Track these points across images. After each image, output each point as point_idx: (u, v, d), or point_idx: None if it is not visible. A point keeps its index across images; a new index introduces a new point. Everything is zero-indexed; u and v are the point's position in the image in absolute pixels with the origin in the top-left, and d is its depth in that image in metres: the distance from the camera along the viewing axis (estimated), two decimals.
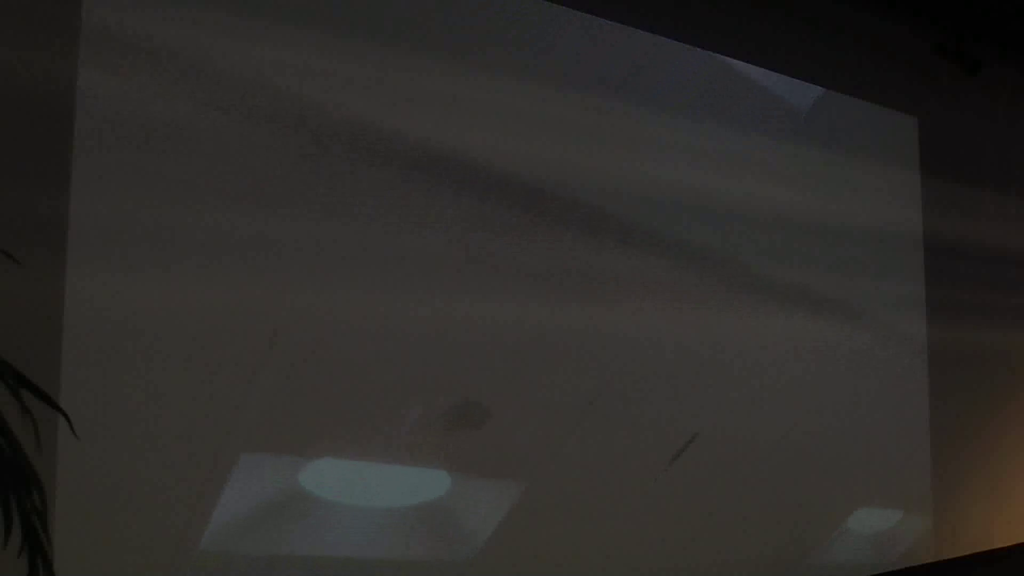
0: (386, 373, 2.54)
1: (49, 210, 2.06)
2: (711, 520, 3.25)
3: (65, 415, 1.49)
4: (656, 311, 3.14)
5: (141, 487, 2.15)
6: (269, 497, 2.33)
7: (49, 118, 2.08)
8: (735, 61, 3.48)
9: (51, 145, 2.08)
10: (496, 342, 2.76)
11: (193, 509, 2.21)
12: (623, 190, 3.10)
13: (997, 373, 4.42)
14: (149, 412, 2.16)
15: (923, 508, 3.98)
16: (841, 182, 3.80)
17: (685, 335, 3.22)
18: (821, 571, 3.58)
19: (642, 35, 3.20)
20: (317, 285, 2.42)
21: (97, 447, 2.07)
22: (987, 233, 4.41)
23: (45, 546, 1.36)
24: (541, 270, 2.86)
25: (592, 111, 3.04)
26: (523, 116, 2.87)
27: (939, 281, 4.12)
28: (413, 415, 2.58)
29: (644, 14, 3.20)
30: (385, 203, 2.56)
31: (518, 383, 2.80)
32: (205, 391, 2.24)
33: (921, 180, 4.09)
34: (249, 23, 2.36)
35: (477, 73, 2.78)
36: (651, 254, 3.15)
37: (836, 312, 3.74)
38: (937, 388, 4.05)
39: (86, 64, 2.12)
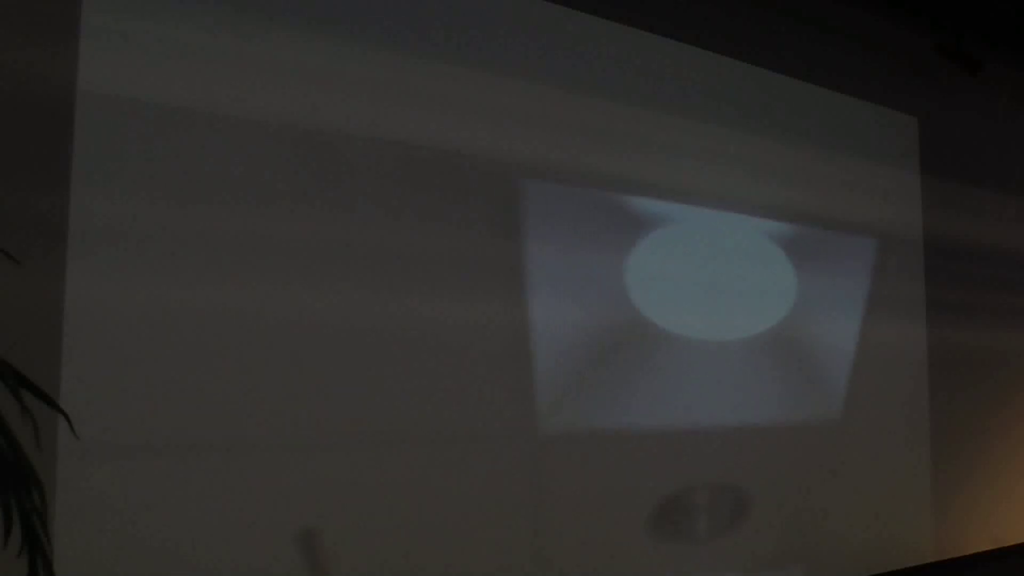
0: (386, 373, 2.54)
1: (49, 210, 2.06)
2: (710, 519, 3.25)
3: (65, 415, 1.49)
4: (655, 310, 3.15)
5: (141, 487, 2.15)
6: (270, 497, 2.32)
7: (49, 118, 2.08)
8: (735, 61, 3.47)
9: (51, 145, 2.08)
10: (498, 342, 2.76)
11: (193, 509, 2.21)
12: (622, 190, 3.09)
13: (997, 373, 4.42)
14: (149, 412, 2.16)
15: (923, 508, 3.98)
16: (841, 182, 3.80)
17: (684, 334, 3.22)
18: (821, 571, 3.57)
19: (642, 35, 3.20)
20: (318, 285, 2.42)
21: (97, 447, 2.07)
22: (987, 233, 4.41)
23: (45, 546, 1.36)
24: (540, 269, 2.86)
25: (592, 111, 3.03)
26: (523, 116, 2.86)
27: (939, 281, 4.12)
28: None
29: (644, 14, 3.19)
30: (385, 203, 2.56)
31: (518, 383, 2.80)
32: (205, 391, 2.24)
33: (921, 180, 4.09)
34: (249, 23, 2.36)
35: (477, 73, 2.77)
36: (650, 254, 3.15)
37: (836, 312, 3.73)
38: (937, 388, 4.05)
39: (86, 64, 2.12)
